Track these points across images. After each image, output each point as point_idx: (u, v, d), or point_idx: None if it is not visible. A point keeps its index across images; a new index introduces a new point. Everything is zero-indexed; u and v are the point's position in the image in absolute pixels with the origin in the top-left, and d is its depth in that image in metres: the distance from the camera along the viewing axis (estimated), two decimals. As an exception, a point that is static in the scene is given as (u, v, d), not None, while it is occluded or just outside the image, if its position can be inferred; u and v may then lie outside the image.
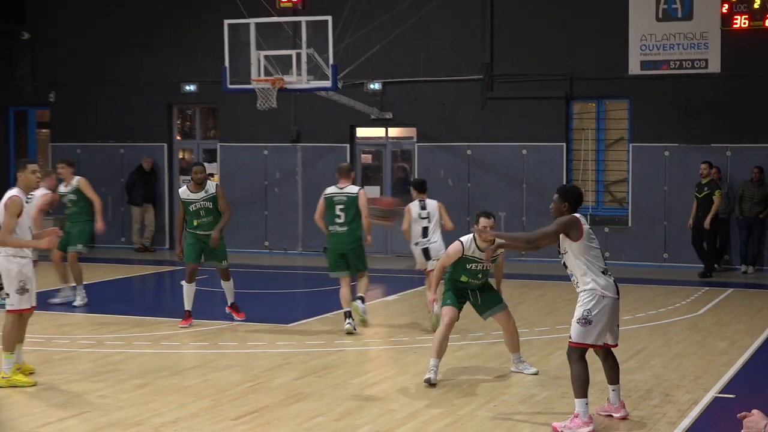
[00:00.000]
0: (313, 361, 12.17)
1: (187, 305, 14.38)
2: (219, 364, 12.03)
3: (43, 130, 27.30)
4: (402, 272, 20.78)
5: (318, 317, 15.32)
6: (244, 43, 20.21)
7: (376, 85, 23.35)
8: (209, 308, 15.84)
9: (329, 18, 19.73)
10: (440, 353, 11.01)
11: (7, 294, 10.98)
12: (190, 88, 24.91)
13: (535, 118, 22.34)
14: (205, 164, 25.15)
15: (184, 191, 14.55)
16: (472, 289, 11.29)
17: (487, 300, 11.34)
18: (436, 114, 23.05)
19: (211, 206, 14.44)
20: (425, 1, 22.40)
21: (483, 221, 10.94)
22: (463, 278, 11.18)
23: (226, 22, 20.51)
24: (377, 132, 24.08)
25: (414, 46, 22.87)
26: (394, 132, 24.00)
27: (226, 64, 20.50)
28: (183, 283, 14.55)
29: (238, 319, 14.77)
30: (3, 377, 10.87)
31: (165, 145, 25.31)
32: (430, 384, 10.81)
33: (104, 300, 16.93)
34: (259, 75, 20.00)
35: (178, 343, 13.33)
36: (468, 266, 11.07)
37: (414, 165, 23.40)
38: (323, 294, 17.52)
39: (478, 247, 10.98)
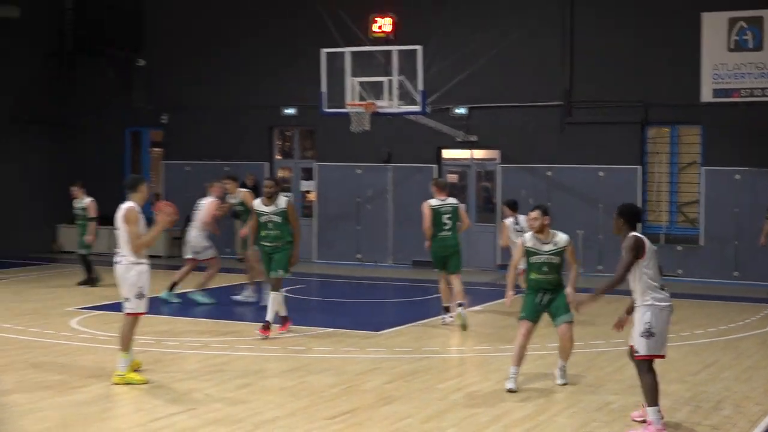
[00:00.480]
0: (402, 367, 12.15)
1: (282, 312, 14.33)
2: (314, 367, 12.07)
3: (156, 149, 27.75)
4: (486, 285, 20.69)
5: (406, 326, 15.28)
6: (339, 70, 20.32)
7: (462, 110, 23.32)
8: (305, 315, 15.95)
9: (419, 47, 19.76)
10: (519, 361, 11.00)
11: (127, 298, 11.20)
12: (290, 111, 25.13)
13: (611, 143, 22.12)
14: (303, 182, 25.72)
15: (258, 203, 14.28)
16: (544, 290, 11.12)
17: (558, 308, 11.18)
18: (518, 137, 22.95)
19: (279, 220, 14.00)
20: (508, 32, 22.34)
21: (530, 214, 11.20)
22: (533, 275, 11.15)
23: (324, 50, 20.66)
24: (463, 154, 24.04)
25: (498, 74, 22.80)
26: (478, 154, 23.94)
27: (323, 89, 20.64)
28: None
29: (262, 335, 13.83)
30: (119, 375, 11.05)
31: (266, 163, 25.55)
32: (511, 391, 10.78)
33: (209, 306, 17.08)
34: (354, 100, 20.10)
35: (278, 347, 13.39)
36: (531, 259, 11.11)
37: (497, 185, 23.30)
38: (412, 304, 17.51)
39: (538, 240, 11.10)
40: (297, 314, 15.21)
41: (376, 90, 20.12)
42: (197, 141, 26.08)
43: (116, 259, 11.25)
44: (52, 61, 26.78)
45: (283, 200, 14.09)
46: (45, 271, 22.36)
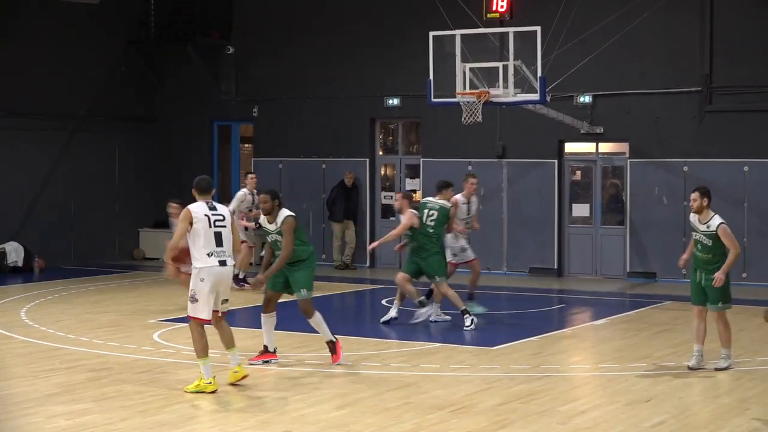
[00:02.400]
0: (518, 386, 12.07)
1: (265, 340, 13.41)
2: (420, 386, 12.04)
3: (246, 145, 28.05)
4: (613, 295, 20.46)
5: (522, 341, 15.19)
6: (449, 55, 20.23)
7: (586, 98, 23.06)
8: (410, 329, 15.95)
9: (538, 28, 19.57)
10: (699, 340, 12.83)
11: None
12: (393, 101, 25.16)
13: (757, 133, 21.65)
14: (407, 180, 25.74)
15: (262, 219, 13.42)
16: (700, 269, 12.78)
17: (709, 295, 12.75)
18: (650, 128, 22.60)
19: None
20: (639, 10, 21.97)
21: (691, 196, 12.92)
22: (695, 251, 12.83)
23: (432, 33, 20.60)
24: (587, 147, 23.77)
25: (627, 57, 22.49)
26: (605, 147, 23.63)
27: (431, 77, 20.59)
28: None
29: (334, 363, 13.22)
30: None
31: (367, 160, 25.63)
32: (692, 369, 12.68)
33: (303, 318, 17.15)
34: (465, 88, 20.00)
35: (379, 363, 13.42)
36: (693, 235, 12.87)
37: (626, 182, 22.97)
38: (528, 316, 17.38)
39: (697, 219, 12.77)
40: (401, 328, 15.20)
41: (489, 77, 20.00)
42: (291, 136, 26.28)
43: None
44: (133, 49, 27.26)
45: (281, 216, 13.10)
46: (126, 279, 22.78)
